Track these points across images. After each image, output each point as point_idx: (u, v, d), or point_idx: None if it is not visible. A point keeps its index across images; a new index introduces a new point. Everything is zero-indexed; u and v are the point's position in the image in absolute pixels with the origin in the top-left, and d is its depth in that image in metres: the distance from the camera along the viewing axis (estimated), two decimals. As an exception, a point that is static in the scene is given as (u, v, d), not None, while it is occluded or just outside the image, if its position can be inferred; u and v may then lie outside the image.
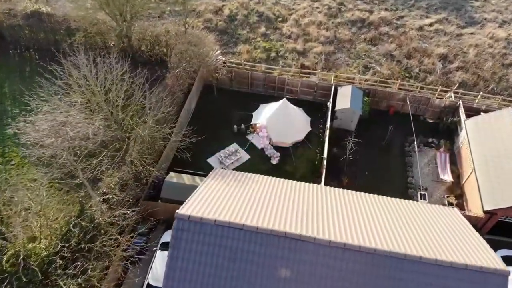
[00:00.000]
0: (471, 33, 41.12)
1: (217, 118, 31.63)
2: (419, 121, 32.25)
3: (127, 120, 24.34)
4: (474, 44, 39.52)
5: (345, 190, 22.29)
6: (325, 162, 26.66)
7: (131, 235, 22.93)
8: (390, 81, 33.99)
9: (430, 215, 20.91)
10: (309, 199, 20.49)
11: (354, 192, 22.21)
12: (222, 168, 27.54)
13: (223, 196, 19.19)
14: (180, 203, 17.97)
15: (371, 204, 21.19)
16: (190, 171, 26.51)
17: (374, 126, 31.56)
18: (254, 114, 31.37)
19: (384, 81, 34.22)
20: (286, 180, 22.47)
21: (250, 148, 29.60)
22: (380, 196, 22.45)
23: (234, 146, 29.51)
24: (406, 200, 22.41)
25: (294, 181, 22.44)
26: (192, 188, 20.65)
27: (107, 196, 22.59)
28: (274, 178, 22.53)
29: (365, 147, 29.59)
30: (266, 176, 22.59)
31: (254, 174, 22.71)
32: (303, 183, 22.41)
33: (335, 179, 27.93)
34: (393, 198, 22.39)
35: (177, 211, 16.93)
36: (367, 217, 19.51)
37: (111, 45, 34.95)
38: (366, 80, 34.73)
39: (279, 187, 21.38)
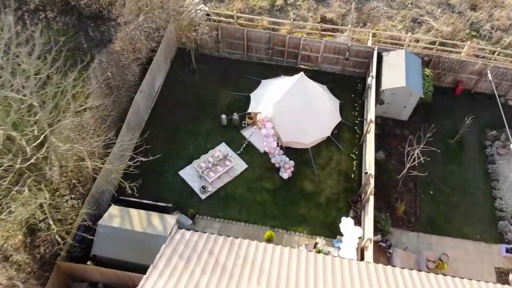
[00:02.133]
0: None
1: (195, 103, 20.62)
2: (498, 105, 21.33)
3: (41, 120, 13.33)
4: None
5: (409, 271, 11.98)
6: (372, 183, 15.98)
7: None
8: (460, 44, 22.68)
9: None
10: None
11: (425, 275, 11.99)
12: (203, 188, 17.03)
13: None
14: (126, 265, 9.35)
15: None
16: (146, 201, 15.82)
17: (434, 112, 20.69)
18: (252, 96, 20.30)
19: (448, 43, 22.90)
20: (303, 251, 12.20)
21: (248, 151, 18.87)
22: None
23: (222, 149, 18.75)
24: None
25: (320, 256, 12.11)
26: (147, 239, 10.69)
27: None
28: (282, 248, 12.12)
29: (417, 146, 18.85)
30: (269, 246, 12.17)
31: (247, 241, 12.30)
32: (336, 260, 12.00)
33: (384, 205, 17.48)
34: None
35: None
36: None
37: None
38: (417, 41, 23.42)
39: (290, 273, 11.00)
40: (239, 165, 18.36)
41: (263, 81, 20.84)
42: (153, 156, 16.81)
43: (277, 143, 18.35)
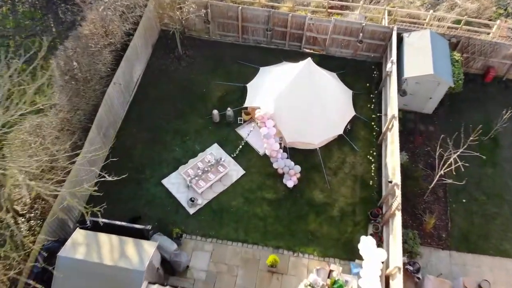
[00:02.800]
0: None
1: (182, 97, 17.40)
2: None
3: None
4: None
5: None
6: (398, 196, 12.94)
7: None
8: (490, 23, 19.48)
9: None
10: None
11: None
12: (191, 201, 14.07)
13: None
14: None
15: None
16: (119, 223, 12.69)
17: (462, 103, 17.66)
18: (249, 87, 17.09)
19: (475, 23, 19.69)
20: None
21: (245, 153, 15.77)
22: None
23: (215, 152, 15.63)
24: None
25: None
26: (119, 274, 9.19)
27: None
28: None
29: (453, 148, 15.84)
30: None
31: None
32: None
33: (409, 218, 14.54)
34: None
35: None
36: None
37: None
38: (440, 19, 20.21)
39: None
40: (234, 171, 15.28)
41: (261, 68, 17.61)
42: (128, 165, 13.71)
43: (280, 143, 15.25)
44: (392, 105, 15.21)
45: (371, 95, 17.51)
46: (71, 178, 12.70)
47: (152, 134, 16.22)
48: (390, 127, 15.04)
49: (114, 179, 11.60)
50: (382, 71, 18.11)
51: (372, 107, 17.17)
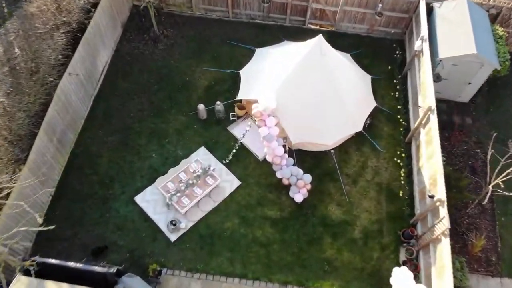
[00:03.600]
0: None
1: (159, 88, 13.99)
2: None
3: None
4: None
5: None
6: (445, 217, 9.78)
7: None
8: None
9: None
10: None
11: None
12: (172, 225, 10.91)
13: None
14: None
15: None
16: (73, 264, 9.38)
17: (502, 89, 14.47)
18: (243, 74, 13.65)
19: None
20: None
21: (240, 159, 12.49)
22: None
23: (201, 158, 12.34)
24: None
25: None
26: None
27: None
28: None
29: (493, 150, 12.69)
30: None
31: None
32: None
33: (450, 238, 11.44)
34: None
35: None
36: None
37: None
38: (469, -13, 16.76)
39: None
40: (227, 183, 12.05)
41: (257, 50, 14.19)
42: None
43: (284, 146, 11.98)
44: (426, 93, 11.95)
45: (394, 80, 14.22)
46: (5, 212, 9.35)
47: (122, 137, 12.87)
48: (424, 122, 11.83)
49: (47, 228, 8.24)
50: (406, 50, 14.77)
51: (396, 95, 13.90)
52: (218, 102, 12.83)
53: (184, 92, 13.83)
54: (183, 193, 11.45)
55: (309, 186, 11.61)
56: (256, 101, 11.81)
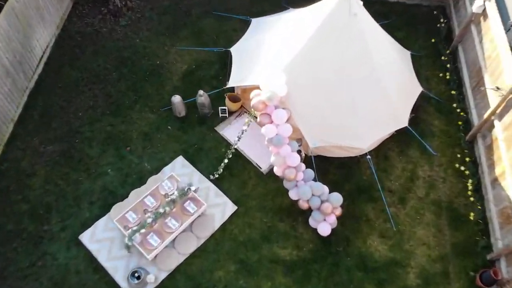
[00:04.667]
0: None
1: (120, 75, 10.11)
2: None
3: None
4: None
5: None
6: None
7: None
8: None
9: None
10: None
11: None
12: (135, 278, 6.84)
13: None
14: None
15: None
16: None
17: None
18: (234, 52, 9.73)
19: None
20: None
21: (235, 172, 8.63)
22: None
23: (179, 172, 8.47)
24: None
25: None
26: None
27: None
28: None
29: None
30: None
31: None
32: None
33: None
34: None
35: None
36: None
37: None
38: None
39: None
40: (218, 209, 8.18)
41: (253, 20, 10.35)
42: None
43: (300, 151, 8.14)
44: (501, 70, 8.22)
45: (443, 58, 10.45)
46: None
47: (65, 146, 8.99)
48: (500, 110, 8.08)
49: None
50: (452, 19, 11.04)
51: (446, 76, 10.15)
52: (201, 92, 8.98)
53: (154, 81, 9.99)
54: (151, 228, 7.59)
55: (339, 211, 7.79)
56: (256, 88, 7.94)
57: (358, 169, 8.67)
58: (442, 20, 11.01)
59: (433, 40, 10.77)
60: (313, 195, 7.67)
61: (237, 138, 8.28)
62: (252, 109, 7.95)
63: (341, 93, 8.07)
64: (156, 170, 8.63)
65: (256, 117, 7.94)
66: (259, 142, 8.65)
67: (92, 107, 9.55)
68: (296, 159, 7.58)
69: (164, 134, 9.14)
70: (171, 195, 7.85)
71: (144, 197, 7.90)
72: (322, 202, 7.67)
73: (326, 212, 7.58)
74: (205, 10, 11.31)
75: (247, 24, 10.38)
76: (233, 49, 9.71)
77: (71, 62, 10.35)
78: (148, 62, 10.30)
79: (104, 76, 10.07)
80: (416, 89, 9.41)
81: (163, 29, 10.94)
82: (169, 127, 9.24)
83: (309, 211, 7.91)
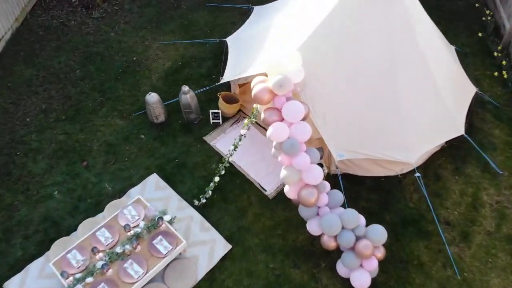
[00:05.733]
0: None
1: (84, 73, 7.95)
2: None
3: None
4: None
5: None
6: None
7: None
8: None
9: None
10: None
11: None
12: None
13: None
14: None
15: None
16: None
17: None
18: (231, 42, 7.57)
19: None
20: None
21: (229, 195, 6.22)
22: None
23: (150, 196, 6.08)
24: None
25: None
26: None
27: None
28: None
29: None
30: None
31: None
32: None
33: None
34: None
35: None
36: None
37: None
38: None
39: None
40: (205, 247, 5.68)
41: (255, 8, 8.27)
42: None
43: (321, 164, 5.78)
44: None
45: (495, 53, 8.26)
46: None
47: (2, 160, 6.65)
48: None
49: None
50: (499, 11, 8.98)
51: (504, 75, 7.91)
52: (185, 88, 6.73)
53: (128, 80, 7.79)
54: (102, 276, 5.09)
55: (382, 252, 5.29)
56: (263, 75, 5.67)
57: (400, 193, 6.26)
58: (488, 13, 8.94)
59: (480, 34, 8.65)
60: (343, 228, 5.21)
61: (232, 147, 5.93)
62: (254, 107, 5.68)
63: (379, 87, 5.81)
64: (120, 193, 6.24)
65: (252, 118, 5.63)
66: (262, 155, 6.33)
67: (45, 111, 7.31)
68: (317, 174, 5.18)
69: (134, 145, 6.82)
70: (134, 227, 5.43)
71: (96, 230, 5.46)
72: (357, 238, 5.20)
73: (364, 253, 5.08)
74: (198, 3, 9.32)
75: (247, 15, 8.31)
76: (230, 39, 7.56)
77: (27, 59, 8.22)
78: (122, 58, 8.16)
79: (65, 74, 7.90)
80: (469, 89, 7.16)
81: (145, 22, 8.90)
82: (142, 136, 6.94)
83: (338, 252, 5.43)
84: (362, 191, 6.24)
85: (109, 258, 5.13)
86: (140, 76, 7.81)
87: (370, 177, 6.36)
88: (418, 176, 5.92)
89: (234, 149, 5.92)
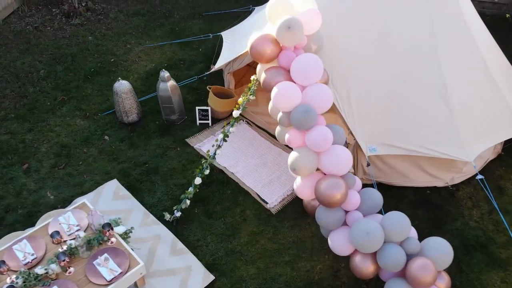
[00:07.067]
0: None
1: (49, 72, 6.61)
2: None
3: None
4: None
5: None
6: None
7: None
8: None
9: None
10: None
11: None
12: None
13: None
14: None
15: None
16: None
17: None
18: (227, 35, 6.33)
19: None
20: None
21: (220, 207, 4.45)
22: None
23: (105, 204, 4.33)
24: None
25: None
26: None
27: None
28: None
29: None
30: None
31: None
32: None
33: None
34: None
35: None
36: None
37: None
38: None
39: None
40: (176, 278, 3.82)
41: (257, 9, 7.15)
42: None
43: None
44: None
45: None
46: None
47: None
48: None
49: None
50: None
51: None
52: (164, 75, 5.26)
53: (100, 80, 6.40)
54: (10, 313, 3.18)
55: (445, 282, 3.40)
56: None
57: (455, 209, 4.48)
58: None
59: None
60: (386, 242, 3.39)
61: (221, 136, 4.30)
62: (253, 78, 4.20)
63: (422, 65, 4.36)
64: (65, 202, 4.49)
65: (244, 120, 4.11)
66: (264, 159, 4.71)
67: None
68: (344, 158, 3.50)
69: (95, 147, 5.19)
70: (69, 240, 3.63)
71: (14, 242, 3.65)
72: (408, 257, 3.35)
73: (421, 280, 3.20)
74: (193, 12, 8.29)
75: (245, 17, 7.19)
76: (225, 33, 6.31)
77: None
78: (97, 59, 6.85)
79: (26, 74, 6.55)
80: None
81: (130, 29, 7.76)
82: (106, 137, 5.34)
83: (378, 281, 3.54)
84: (402, 207, 4.48)
85: (23, 282, 3.27)
86: (115, 76, 6.44)
87: (412, 189, 4.64)
88: (481, 179, 4.20)
89: (222, 142, 4.30)
